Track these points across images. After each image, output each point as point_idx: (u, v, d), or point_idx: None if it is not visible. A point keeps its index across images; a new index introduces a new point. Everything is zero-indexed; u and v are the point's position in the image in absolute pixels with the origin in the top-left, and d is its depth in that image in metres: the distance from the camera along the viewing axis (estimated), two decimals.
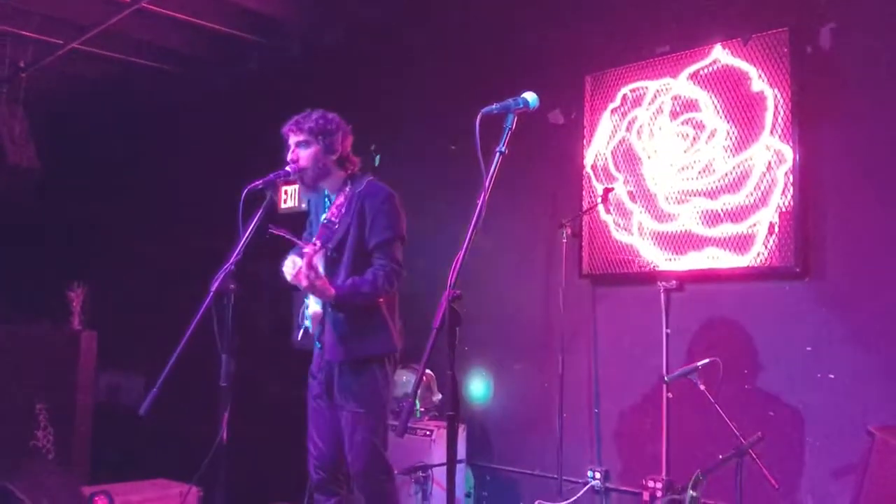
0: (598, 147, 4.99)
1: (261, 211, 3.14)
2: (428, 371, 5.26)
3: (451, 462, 2.21)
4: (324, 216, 3.54)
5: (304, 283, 3.13)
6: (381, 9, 6.28)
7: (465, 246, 2.28)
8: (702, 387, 3.50)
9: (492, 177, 2.35)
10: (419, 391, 5.25)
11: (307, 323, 3.50)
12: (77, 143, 8.87)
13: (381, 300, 3.41)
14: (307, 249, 3.14)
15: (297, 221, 3.91)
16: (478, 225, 2.31)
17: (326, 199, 3.58)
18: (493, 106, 2.44)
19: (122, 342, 7.46)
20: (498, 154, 2.39)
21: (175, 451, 5.34)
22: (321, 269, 3.21)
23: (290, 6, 6.48)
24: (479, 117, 2.37)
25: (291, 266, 3.35)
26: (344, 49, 6.72)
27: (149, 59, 7.29)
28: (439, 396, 5.19)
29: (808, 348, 4.10)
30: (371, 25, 6.48)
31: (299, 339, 3.55)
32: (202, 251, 7.02)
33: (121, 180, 8.75)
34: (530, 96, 2.47)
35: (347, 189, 3.51)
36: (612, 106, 4.95)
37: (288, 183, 3.58)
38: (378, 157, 6.40)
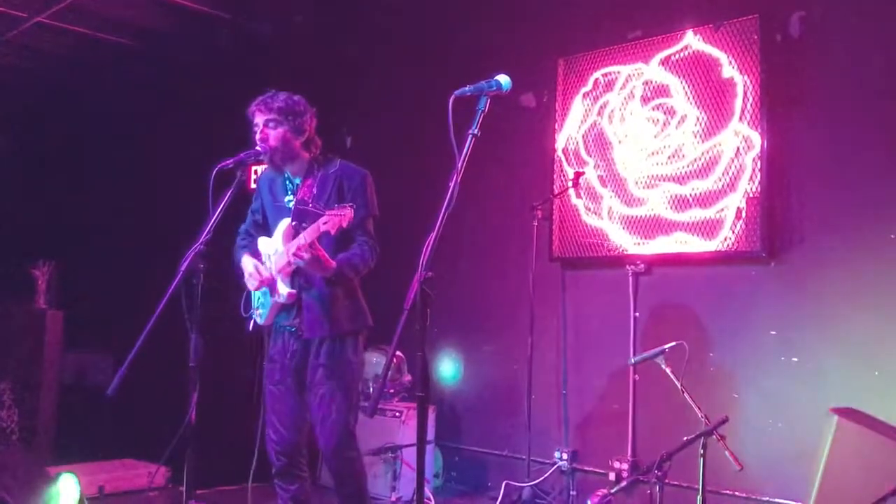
0: (570, 131, 5.00)
1: (230, 190, 3.11)
2: (398, 353, 5.26)
3: (421, 442, 2.21)
4: (289, 198, 3.52)
5: (307, 257, 3.13)
6: None
7: (436, 228, 2.27)
8: (668, 370, 3.54)
9: (464, 159, 2.34)
10: (389, 373, 5.26)
11: (260, 312, 3.52)
12: (43, 120, 8.71)
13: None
14: (307, 235, 3.16)
15: None
16: (449, 207, 2.29)
17: (287, 182, 3.55)
18: (466, 88, 2.42)
19: (90, 321, 7.37)
20: (471, 136, 2.37)
21: (143, 431, 5.30)
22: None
23: None
24: (451, 99, 2.36)
25: (252, 267, 3.41)
26: (314, 27, 6.66)
27: (118, 35, 7.16)
28: (409, 377, 5.20)
29: (773, 332, 4.16)
30: (342, 3, 6.42)
31: (251, 329, 3.58)
32: (171, 228, 6.96)
33: (87, 157, 8.61)
34: (503, 79, 2.46)
35: (317, 171, 3.49)
36: (584, 90, 4.96)
37: (258, 163, 3.51)
38: (349, 138, 6.37)
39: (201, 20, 6.77)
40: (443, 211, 2.30)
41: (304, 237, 3.18)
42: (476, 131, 2.37)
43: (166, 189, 7.43)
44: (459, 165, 2.31)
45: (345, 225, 3.05)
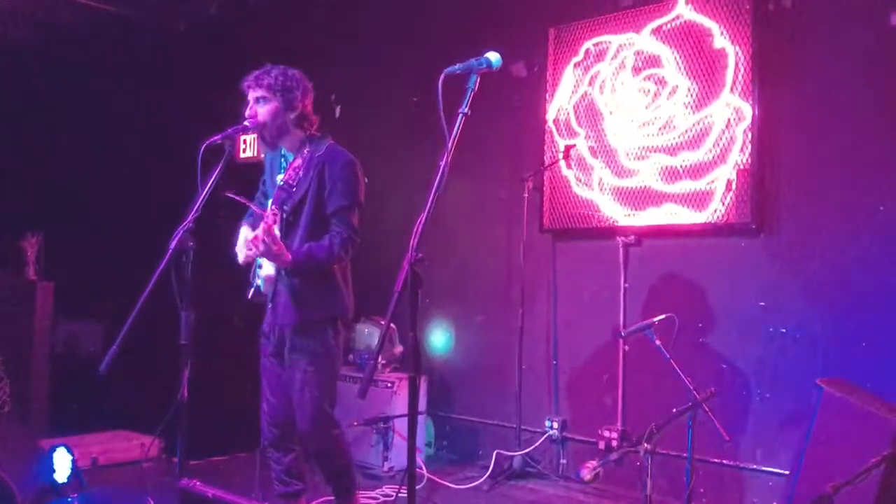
0: (561, 101, 4.97)
1: (219, 166, 3.08)
2: (390, 324, 5.28)
3: (413, 418, 2.23)
4: (280, 177, 3.48)
5: (261, 248, 3.10)
6: None
7: (426, 209, 2.27)
8: (657, 342, 3.56)
9: (454, 139, 2.33)
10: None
11: (259, 282, 3.49)
12: (30, 89, 8.58)
13: (335, 266, 3.41)
14: (268, 219, 3.12)
15: (256, 171, 3.86)
16: (440, 188, 2.29)
17: (282, 160, 3.52)
18: (456, 66, 2.41)
19: (80, 291, 7.35)
20: (461, 115, 2.36)
21: (135, 402, 5.32)
22: (277, 233, 3.19)
23: None
24: (441, 78, 2.34)
25: (243, 239, 3.36)
26: None
27: (102, 1, 7.04)
28: (400, 349, 5.22)
29: (762, 303, 4.19)
30: None
31: (250, 297, 3.55)
32: (160, 198, 6.92)
33: (76, 127, 8.51)
34: (493, 56, 2.44)
35: (306, 151, 3.44)
36: (575, 60, 4.92)
37: (246, 132, 3.47)
38: (338, 108, 6.32)
39: None
40: (433, 192, 2.29)
41: (262, 228, 3.14)
42: (466, 110, 2.36)
43: (155, 158, 7.37)
44: (449, 146, 2.31)
45: (266, 226, 3.06)
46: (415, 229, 2.26)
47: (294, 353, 3.37)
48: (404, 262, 2.21)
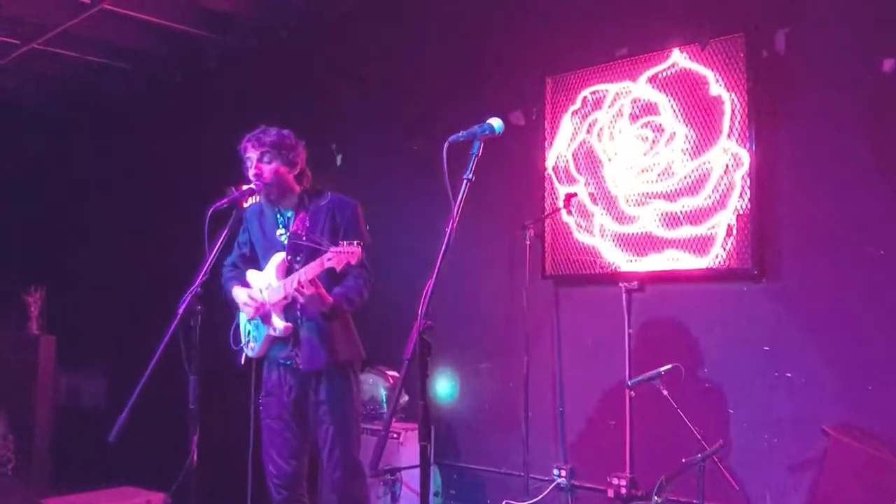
0: (560, 149, 5.03)
1: (226, 230, 3.13)
2: (394, 373, 5.29)
3: (424, 488, 2.23)
4: (280, 231, 3.57)
5: (307, 293, 3.17)
6: (339, 4, 6.24)
7: (434, 274, 2.30)
8: (665, 392, 3.58)
9: (459, 205, 2.37)
10: (387, 392, 5.29)
11: (253, 343, 3.54)
12: (34, 144, 8.68)
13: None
14: (305, 272, 3.20)
15: None
16: (447, 252, 2.32)
17: (279, 216, 3.58)
18: (460, 134, 2.46)
19: (82, 344, 7.36)
20: (465, 182, 2.41)
21: (139, 455, 5.31)
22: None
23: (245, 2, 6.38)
24: (445, 146, 2.39)
25: (246, 296, 3.43)
26: (301, 45, 6.67)
27: (107, 57, 7.13)
28: (406, 398, 5.21)
29: (766, 348, 4.20)
30: (329, 22, 6.44)
31: (242, 362, 3.61)
32: (160, 252, 6.97)
33: (78, 181, 8.58)
34: (496, 122, 2.50)
35: (308, 204, 3.53)
36: (572, 108, 4.98)
37: (253, 194, 3.53)
38: (340, 156, 6.39)
39: (188, 40, 6.76)
40: (440, 257, 2.32)
41: (306, 273, 3.20)
42: (471, 177, 2.41)
43: (157, 211, 7.43)
44: (455, 213, 2.34)
45: (353, 262, 3.09)
46: (423, 295, 2.29)
47: (319, 407, 3.42)
48: (413, 329, 2.22)
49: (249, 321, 3.60)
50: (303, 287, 3.19)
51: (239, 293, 3.57)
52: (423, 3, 5.95)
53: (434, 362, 5.38)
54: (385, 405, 5.26)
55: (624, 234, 4.71)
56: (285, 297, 3.38)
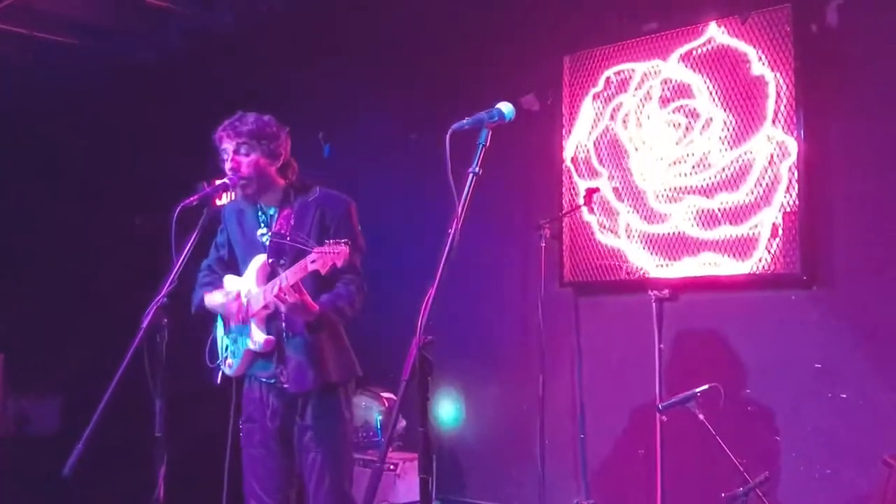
0: (579, 137, 5.03)
1: (196, 232, 3.11)
2: (390, 395, 5.29)
3: None
4: (262, 231, 3.53)
5: (290, 300, 3.13)
6: None
7: (435, 283, 2.29)
8: (701, 416, 3.57)
9: (465, 203, 2.36)
10: (382, 418, 5.29)
11: (231, 360, 3.52)
12: None
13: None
14: (288, 275, 3.17)
15: None
16: (450, 257, 2.31)
17: (260, 214, 3.56)
18: (465, 121, 2.45)
19: (33, 362, 7.36)
20: (471, 175, 2.39)
21: (98, 489, 5.30)
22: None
23: None
24: (448, 134, 2.37)
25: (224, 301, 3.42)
26: (286, 22, 6.65)
27: (61, 34, 7.12)
28: (403, 423, 5.20)
29: (817, 365, 4.19)
30: None
31: (219, 381, 3.60)
32: (124, 258, 6.98)
33: (25, 176, 8.57)
34: (506, 107, 2.49)
35: (294, 199, 3.50)
36: (594, 91, 4.99)
37: (227, 190, 3.51)
38: (327, 146, 6.39)
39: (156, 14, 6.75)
40: (442, 263, 2.31)
41: (287, 277, 3.18)
42: (477, 170, 2.40)
43: (114, 215, 7.44)
44: (459, 210, 2.33)
45: (339, 264, 3.05)
46: (423, 306, 2.28)
47: (305, 434, 3.39)
48: (412, 345, 2.22)
49: (227, 334, 3.58)
50: (284, 293, 3.15)
51: (215, 298, 3.54)
52: None
53: (436, 383, 5.41)
54: (380, 432, 5.25)
55: (653, 235, 4.71)
56: (266, 306, 3.36)
